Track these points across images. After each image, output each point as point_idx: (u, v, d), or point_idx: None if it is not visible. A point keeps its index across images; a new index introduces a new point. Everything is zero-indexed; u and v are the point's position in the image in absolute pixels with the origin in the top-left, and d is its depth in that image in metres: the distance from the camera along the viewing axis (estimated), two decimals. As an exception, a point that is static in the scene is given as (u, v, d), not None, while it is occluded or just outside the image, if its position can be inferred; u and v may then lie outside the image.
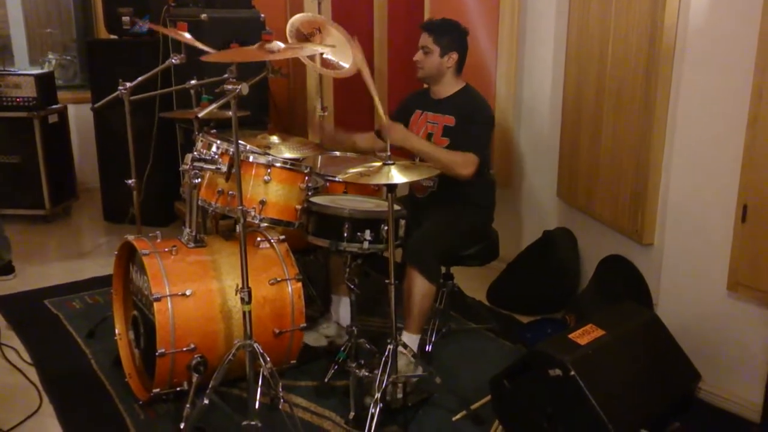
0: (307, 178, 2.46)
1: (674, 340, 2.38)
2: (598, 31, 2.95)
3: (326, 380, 2.55)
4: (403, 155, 2.89)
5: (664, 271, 2.65)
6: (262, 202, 2.38)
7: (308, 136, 4.46)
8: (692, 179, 2.52)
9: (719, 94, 2.39)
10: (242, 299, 2.15)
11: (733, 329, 2.44)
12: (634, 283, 2.76)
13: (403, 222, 2.49)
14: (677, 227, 2.59)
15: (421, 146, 2.69)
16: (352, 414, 2.35)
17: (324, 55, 2.95)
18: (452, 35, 2.80)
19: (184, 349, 2.29)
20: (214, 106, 2.22)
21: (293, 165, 2.44)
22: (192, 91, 3.14)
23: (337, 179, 2.78)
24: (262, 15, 4.10)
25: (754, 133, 2.25)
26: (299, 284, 2.51)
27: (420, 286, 2.56)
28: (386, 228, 2.32)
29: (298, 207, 2.45)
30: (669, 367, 2.35)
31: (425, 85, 2.95)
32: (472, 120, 2.75)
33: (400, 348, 2.37)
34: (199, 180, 2.37)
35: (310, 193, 2.49)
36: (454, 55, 2.79)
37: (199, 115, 2.41)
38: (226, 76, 2.84)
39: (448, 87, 2.85)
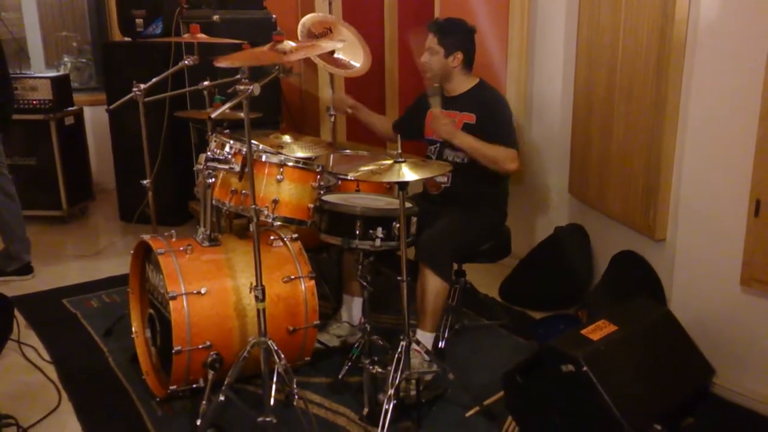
0: (319, 176, 2.48)
1: (687, 336, 2.38)
2: (609, 26, 2.94)
3: (340, 377, 2.57)
4: (416, 153, 2.91)
5: (677, 267, 2.64)
6: (275, 201, 2.40)
7: (320, 134, 4.48)
8: (704, 174, 2.51)
9: (731, 89, 2.38)
10: (256, 297, 2.18)
11: (746, 324, 2.43)
12: (647, 278, 2.76)
13: (414, 219, 2.50)
14: (690, 222, 2.58)
15: (469, 141, 2.68)
16: (365, 410, 2.37)
17: (335, 55, 2.96)
18: (456, 35, 2.81)
19: (200, 346, 2.32)
20: (226, 106, 2.24)
21: (305, 164, 2.46)
22: (205, 92, 3.17)
23: (349, 177, 2.79)
24: (274, 15, 4.13)
25: (767, 127, 2.24)
26: (312, 282, 2.54)
27: (433, 285, 2.57)
28: (398, 225, 2.34)
29: (311, 205, 2.47)
30: (682, 362, 2.34)
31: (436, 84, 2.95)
32: (496, 117, 2.75)
33: (413, 345, 2.38)
34: (213, 180, 2.40)
35: (322, 192, 2.51)
36: (459, 55, 2.79)
37: (212, 116, 2.43)
38: (238, 76, 2.86)
39: (461, 84, 2.86)
